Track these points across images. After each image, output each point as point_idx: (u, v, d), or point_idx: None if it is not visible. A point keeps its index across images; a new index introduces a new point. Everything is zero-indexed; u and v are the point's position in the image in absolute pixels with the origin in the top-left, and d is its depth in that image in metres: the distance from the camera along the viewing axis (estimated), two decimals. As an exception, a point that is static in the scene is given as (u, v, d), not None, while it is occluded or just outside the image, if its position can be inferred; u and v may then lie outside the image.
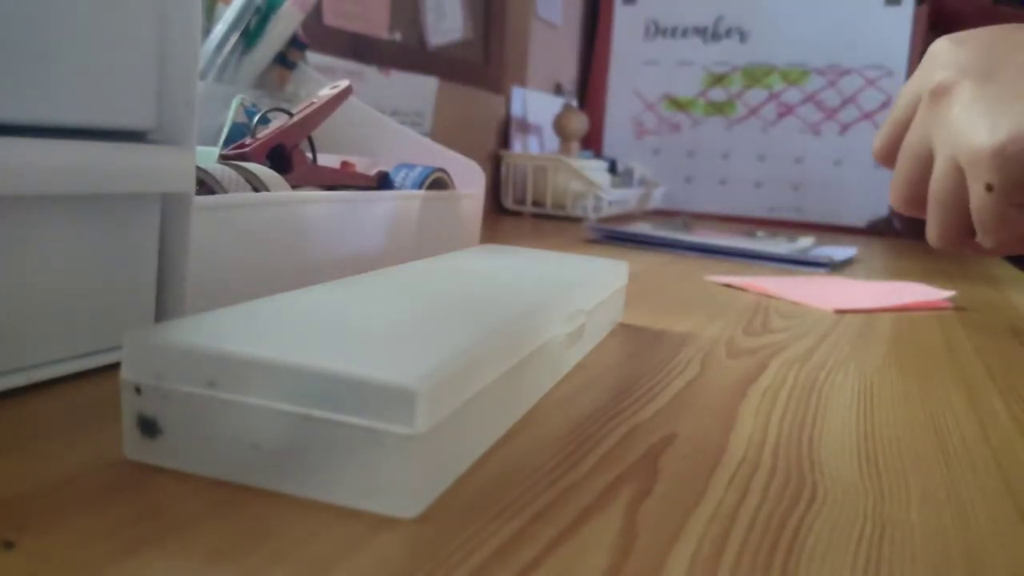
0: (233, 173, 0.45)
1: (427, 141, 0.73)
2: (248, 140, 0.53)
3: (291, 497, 0.22)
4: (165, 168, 0.33)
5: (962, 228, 0.43)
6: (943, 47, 0.44)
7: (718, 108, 1.64)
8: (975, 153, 0.39)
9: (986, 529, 0.24)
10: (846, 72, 1.55)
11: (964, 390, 0.39)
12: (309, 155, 0.56)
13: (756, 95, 1.62)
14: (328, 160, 0.60)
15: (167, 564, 0.19)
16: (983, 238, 0.41)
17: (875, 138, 0.49)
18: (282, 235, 0.45)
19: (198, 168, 0.38)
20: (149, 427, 0.23)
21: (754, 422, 0.33)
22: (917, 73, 0.45)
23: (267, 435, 0.22)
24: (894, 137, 0.47)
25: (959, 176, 0.41)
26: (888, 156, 0.48)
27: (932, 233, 0.45)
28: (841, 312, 0.61)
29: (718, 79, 1.64)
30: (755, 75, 1.62)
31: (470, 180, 0.70)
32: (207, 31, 0.66)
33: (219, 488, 0.23)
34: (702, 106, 1.65)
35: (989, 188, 0.39)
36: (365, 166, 0.63)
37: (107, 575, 0.18)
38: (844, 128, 1.56)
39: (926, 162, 0.44)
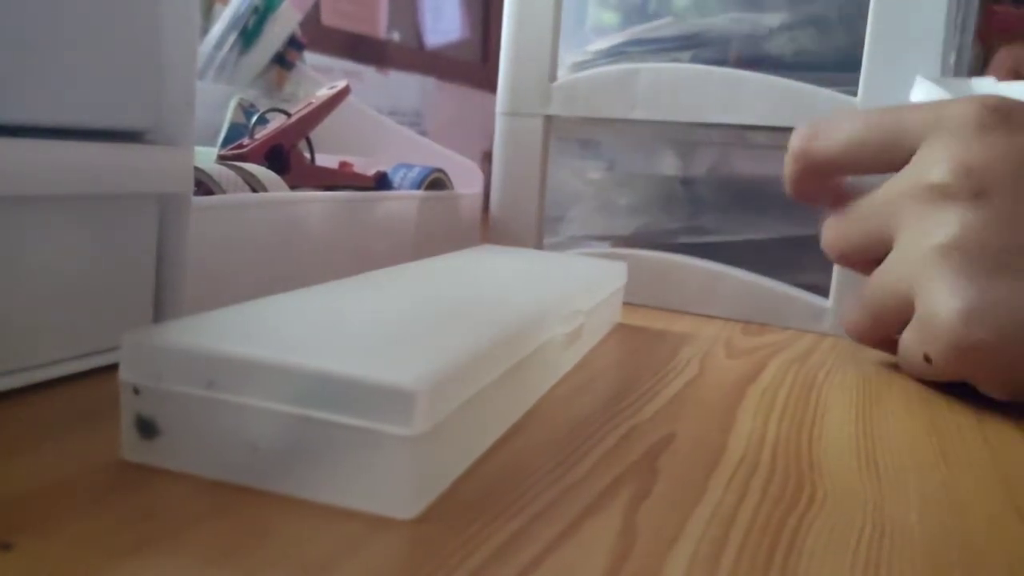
0: (231, 173, 0.45)
1: (425, 141, 0.73)
2: (246, 140, 0.53)
3: (290, 497, 0.22)
4: (163, 168, 0.33)
5: (881, 329, 0.41)
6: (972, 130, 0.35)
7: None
8: (936, 318, 0.35)
9: (985, 530, 0.24)
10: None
11: (964, 389, 0.39)
12: (307, 155, 0.56)
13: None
14: (326, 160, 0.60)
15: (166, 565, 0.19)
16: (900, 359, 0.40)
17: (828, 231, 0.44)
18: (281, 235, 0.45)
19: (196, 168, 0.38)
20: (148, 428, 0.23)
21: (753, 422, 0.33)
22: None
23: (266, 436, 0.22)
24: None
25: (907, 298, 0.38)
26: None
27: (851, 323, 0.43)
28: (840, 312, 0.61)
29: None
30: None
31: (469, 180, 0.70)
32: (205, 31, 0.66)
33: (218, 489, 0.22)
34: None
35: (927, 359, 0.36)
36: (363, 166, 0.63)
37: (106, 576, 0.18)
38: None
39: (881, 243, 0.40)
